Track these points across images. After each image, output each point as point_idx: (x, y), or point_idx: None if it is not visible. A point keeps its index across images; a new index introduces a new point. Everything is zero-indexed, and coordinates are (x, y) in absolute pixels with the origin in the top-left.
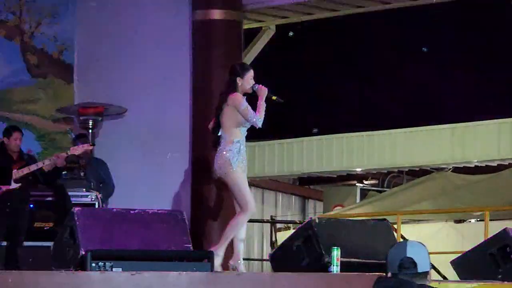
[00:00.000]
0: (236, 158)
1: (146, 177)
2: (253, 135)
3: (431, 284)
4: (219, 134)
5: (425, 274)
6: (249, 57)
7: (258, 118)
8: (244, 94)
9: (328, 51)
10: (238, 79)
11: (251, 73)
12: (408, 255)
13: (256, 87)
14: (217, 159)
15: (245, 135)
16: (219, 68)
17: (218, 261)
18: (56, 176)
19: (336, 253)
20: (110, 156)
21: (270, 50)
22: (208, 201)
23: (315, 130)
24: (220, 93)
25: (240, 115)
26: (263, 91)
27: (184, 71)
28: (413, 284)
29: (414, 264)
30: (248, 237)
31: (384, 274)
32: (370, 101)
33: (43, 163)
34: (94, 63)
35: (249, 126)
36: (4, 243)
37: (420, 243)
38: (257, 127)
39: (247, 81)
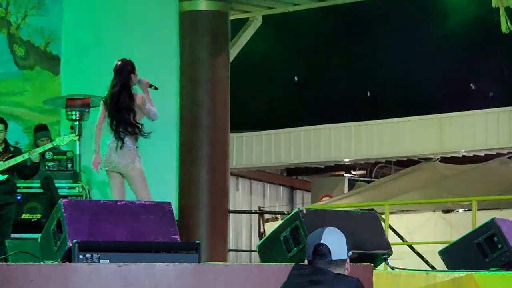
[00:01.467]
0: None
1: None
2: (241, 126)
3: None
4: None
5: (342, 262)
6: (236, 48)
7: (156, 113)
8: None
9: (315, 39)
10: (133, 76)
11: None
12: (323, 241)
13: (141, 80)
14: (124, 154)
15: None
16: (206, 58)
17: None
18: (33, 171)
19: None
20: None
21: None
22: (195, 192)
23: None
24: (118, 93)
25: (143, 113)
26: (146, 84)
27: (171, 61)
28: (327, 272)
29: (328, 251)
30: (236, 228)
31: (372, 264)
32: (357, 91)
33: (29, 153)
34: (81, 55)
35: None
36: None
37: (338, 230)
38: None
39: (136, 75)
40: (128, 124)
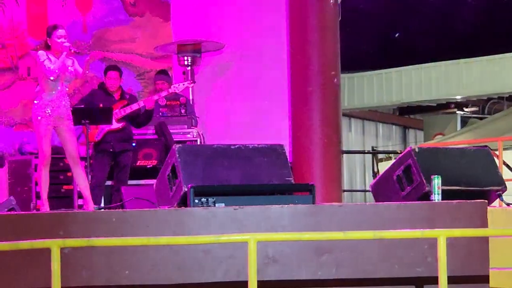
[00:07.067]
0: (40, 110)
1: (245, 112)
2: (352, 66)
3: None
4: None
5: None
6: None
7: (51, 71)
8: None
9: None
10: (48, 40)
11: (58, 32)
12: None
13: (63, 46)
14: None
15: (61, 88)
16: (315, 1)
17: None
18: (147, 119)
19: (437, 181)
20: (209, 92)
21: None
22: (308, 133)
23: None
24: None
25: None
26: (66, 49)
27: (280, 4)
28: None
29: None
30: (350, 169)
31: (486, 201)
32: (467, 28)
33: (143, 101)
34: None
35: (65, 81)
36: (109, 183)
37: None
38: (50, 79)
39: (54, 41)
40: None
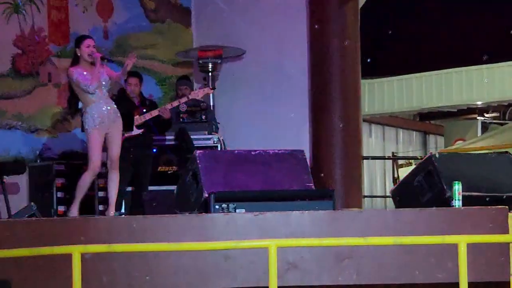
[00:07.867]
0: (92, 123)
1: (265, 117)
2: (372, 72)
3: None
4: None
5: None
6: None
7: (89, 86)
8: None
9: None
10: (77, 50)
11: (86, 42)
12: None
13: (93, 56)
14: None
15: (103, 94)
16: (336, 8)
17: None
18: (166, 127)
19: (457, 187)
20: (229, 98)
21: None
22: (328, 139)
23: (485, 57)
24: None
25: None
26: (98, 59)
27: (301, 11)
28: None
29: None
30: (370, 174)
31: (507, 207)
32: (488, 33)
33: (158, 111)
34: (211, 6)
35: (104, 88)
36: (129, 189)
37: None
38: (90, 93)
39: (83, 50)
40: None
